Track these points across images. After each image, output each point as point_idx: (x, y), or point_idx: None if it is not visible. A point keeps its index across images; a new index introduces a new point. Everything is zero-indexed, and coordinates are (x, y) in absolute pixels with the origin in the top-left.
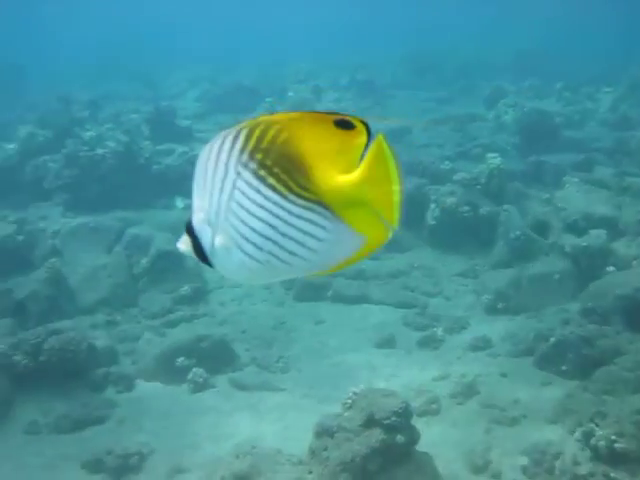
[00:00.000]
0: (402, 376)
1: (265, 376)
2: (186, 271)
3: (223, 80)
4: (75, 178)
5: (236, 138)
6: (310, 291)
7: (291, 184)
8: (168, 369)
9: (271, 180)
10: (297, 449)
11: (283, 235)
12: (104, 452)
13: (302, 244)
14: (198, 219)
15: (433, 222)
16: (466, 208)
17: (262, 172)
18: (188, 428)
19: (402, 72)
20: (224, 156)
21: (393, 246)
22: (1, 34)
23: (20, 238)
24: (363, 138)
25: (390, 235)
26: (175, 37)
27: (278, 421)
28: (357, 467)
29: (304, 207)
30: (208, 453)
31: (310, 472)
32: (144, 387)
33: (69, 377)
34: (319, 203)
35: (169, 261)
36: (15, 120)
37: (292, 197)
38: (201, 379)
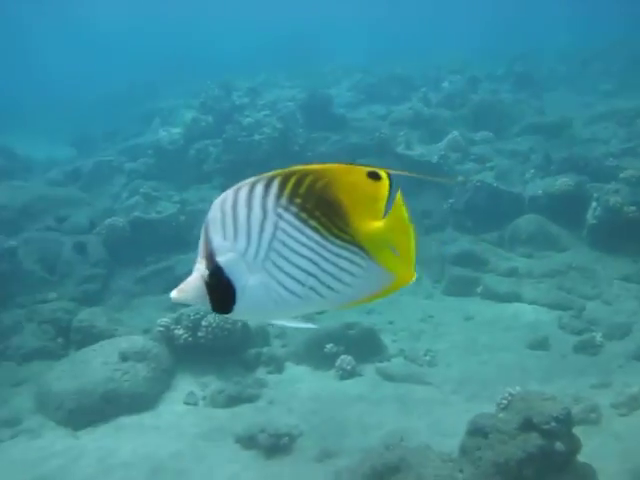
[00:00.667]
0: (556, 380)
1: (412, 368)
2: None
3: (377, 70)
4: (232, 162)
5: (269, 185)
6: (459, 286)
7: (331, 226)
8: (317, 354)
9: (313, 222)
10: (445, 446)
11: (323, 271)
12: (257, 430)
13: (339, 279)
14: (228, 259)
15: (594, 221)
16: (632, 208)
17: (303, 215)
18: (336, 414)
19: (563, 63)
20: (257, 200)
21: (549, 244)
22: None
23: (182, 218)
24: (386, 188)
25: (415, 276)
26: (334, 33)
27: (426, 415)
28: (512, 471)
29: (342, 247)
30: (356, 441)
31: (461, 471)
32: (293, 370)
33: (224, 354)
34: (355, 244)
35: None
36: (181, 106)
37: (332, 238)
38: (349, 367)
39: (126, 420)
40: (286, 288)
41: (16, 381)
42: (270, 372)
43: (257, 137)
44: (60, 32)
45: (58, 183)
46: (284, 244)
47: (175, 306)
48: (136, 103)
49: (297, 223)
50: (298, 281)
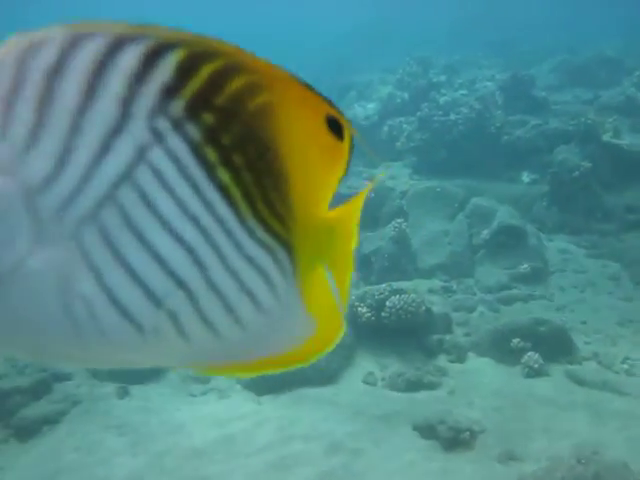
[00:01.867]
0: None
1: (607, 375)
2: (527, 249)
3: (583, 50)
4: (426, 141)
5: (153, 57)
6: None
7: (256, 196)
8: (502, 347)
9: (224, 175)
10: None
11: (210, 282)
12: (436, 420)
13: (233, 306)
14: None
15: None
16: None
17: (210, 152)
18: (521, 414)
19: None
20: (116, 81)
21: None
22: None
23: (371, 195)
24: (347, 153)
25: (342, 333)
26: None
27: (623, 429)
28: None
29: (262, 243)
30: (542, 447)
31: None
32: (476, 361)
33: (405, 337)
34: (284, 244)
35: (510, 236)
36: (376, 81)
37: (251, 220)
38: (536, 365)
39: (307, 392)
40: (120, 298)
41: None
42: (451, 361)
43: (453, 117)
44: None
45: None
46: (146, 200)
47: (359, 283)
48: (332, 75)
49: (191, 164)
50: (154, 289)
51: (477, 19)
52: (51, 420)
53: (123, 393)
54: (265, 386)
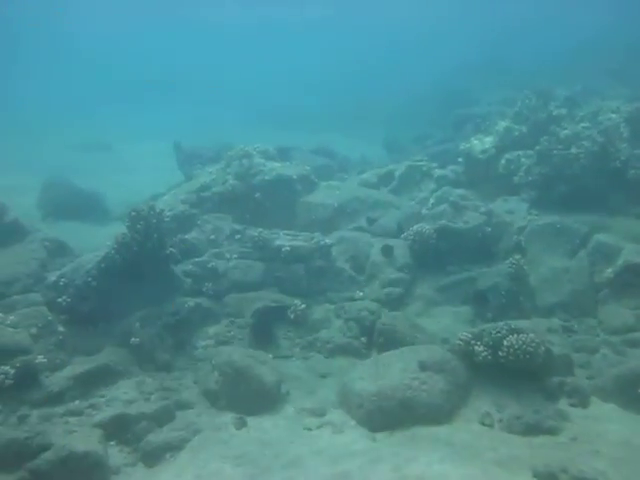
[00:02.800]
0: None
1: None
2: None
3: None
4: (545, 176)
5: None
6: None
7: None
8: (629, 394)
9: None
10: None
11: None
12: (558, 468)
13: None
14: None
15: None
16: None
17: None
18: None
19: None
20: None
21: None
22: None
23: (488, 230)
24: None
25: None
26: None
27: None
28: None
29: None
30: None
31: None
32: (600, 407)
33: (524, 378)
34: None
35: (637, 275)
36: (494, 114)
37: None
38: None
39: (421, 430)
40: None
41: (323, 373)
42: (573, 405)
43: (574, 151)
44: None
45: (372, 184)
46: None
47: (474, 320)
48: (448, 108)
49: None
50: None
51: (599, 45)
52: (174, 447)
53: (241, 424)
54: (380, 422)
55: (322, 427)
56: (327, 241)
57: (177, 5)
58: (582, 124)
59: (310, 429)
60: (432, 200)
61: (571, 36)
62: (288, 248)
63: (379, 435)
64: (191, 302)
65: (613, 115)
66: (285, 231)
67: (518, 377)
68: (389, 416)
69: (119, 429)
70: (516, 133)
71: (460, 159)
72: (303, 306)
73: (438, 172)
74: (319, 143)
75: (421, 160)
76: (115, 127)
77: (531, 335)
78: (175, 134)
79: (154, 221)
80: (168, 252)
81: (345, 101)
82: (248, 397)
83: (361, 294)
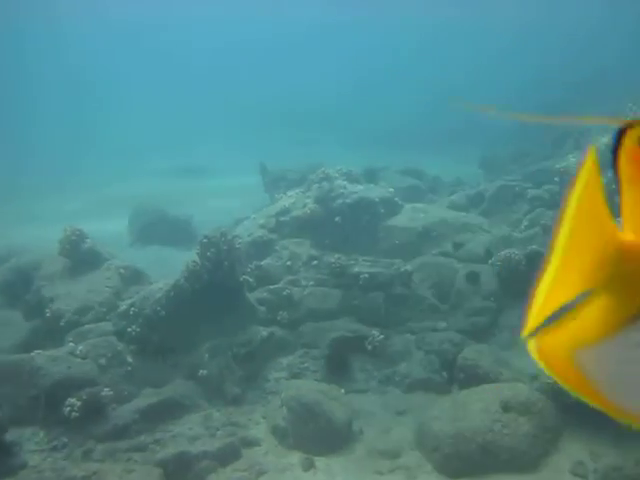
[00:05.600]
0: None
1: None
2: None
3: None
4: None
5: None
6: None
7: None
8: None
9: None
10: None
11: None
12: None
13: None
14: None
15: None
16: None
17: None
18: None
19: None
20: None
21: None
22: None
23: None
24: None
25: None
26: None
27: None
28: None
29: None
30: None
31: None
32: None
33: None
34: None
35: None
36: (595, 129)
37: None
38: None
39: (504, 479)
40: None
41: (400, 409)
42: None
43: None
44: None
45: (460, 206)
46: None
47: None
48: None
49: None
50: None
51: None
52: None
53: (308, 465)
54: (457, 468)
55: (395, 471)
56: (408, 267)
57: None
58: None
59: (381, 473)
60: (525, 223)
61: None
62: (366, 275)
63: None
64: (264, 332)
65: None
66: (364, 257)
67: (615, 420)
68: (467, 462)
69: (180, 468)
70: None
71: (556, 178)
72: (381, 337)
73: (532, 192)
74: (408, 163)
75: (514, 180)
76: (209, 151)
77: None
78: (269, 156)
79: (225, 248)
80: (241, 280)
81: (440, 118)
82: (316, 436)
83: (444, 324)
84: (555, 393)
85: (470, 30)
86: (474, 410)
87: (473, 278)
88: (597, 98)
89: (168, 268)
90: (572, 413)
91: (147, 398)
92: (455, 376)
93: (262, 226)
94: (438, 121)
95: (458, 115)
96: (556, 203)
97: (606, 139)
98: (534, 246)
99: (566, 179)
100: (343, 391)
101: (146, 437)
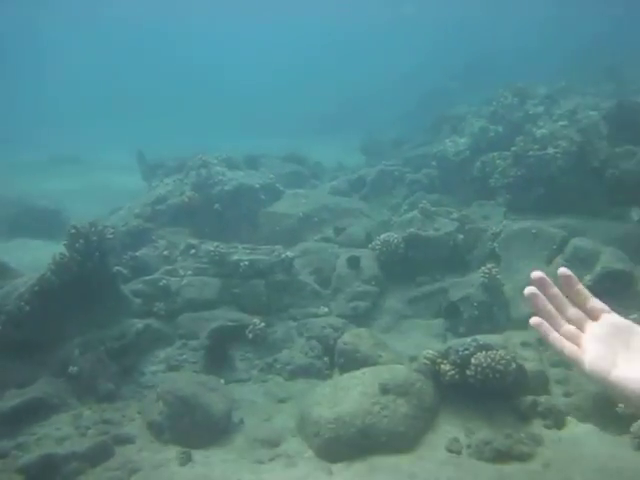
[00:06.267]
0: None
1: None
2: (637, 296)
3: None
4: (521, 178)
5: None
6: None
7: None
8: (607, 413)
9: None
10: None
11: None
12: None
13: None
14: None
15: None
16: None
17: None
18: None
19: None
20: None
21: None
22: None
23: (460, 237)
24: None
25: None
26: None
27: None
28: None
29: None
30: None
31: None
32: (576, 428)
33: (494, 398)
34: None
35: (617, 281)
36: (471, 114)
37: None
38: None
39: (382, 461)
40: None
41: (282, 397)
42: (547, 426)
43: (551, 151)
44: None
45: (342, 192)
46: None
47: (446, 335)
48: (429, 110)
49: None
50: None
51: (593, 44)
52: None
53: (185, 459)
54: (338, 453)
55: (275, 459)
56: (289, 254)
57: None
58: (560, 122)
59: (262, 462)
60: (404, 207)
61: (571, 35)
62: (247, 262)
63: (336, 467)
64: (139, 324)
65: (592, 113)
66: (244, 245)
67: (489, 398)
68: (347, 446)
69: (45, 472)
70: (492, 134)
71: (434, 163)
72: (262, 324)
73: (410, 177)
74: (290, 149)
75: (394, 165)
76: (90, 138)
77: (501, 352)
78: (150, 145)
79: (95, 238)
80: (115, 271)
81: (323, 105)
82: (194, 428)
83: (326, 309)
84: (434, 373)
85: (356, 27)
86: (354, 394)
87: (354, 262)
88: (475, 85)
89: (38, 262)
90: (448, 393)
91: (9, 400)
92: (336, 361)
93: (138, 215)
94: (321, 108)
95: (341, 103)
96: (434, 186)
97: (480, 123)
98: (412, 229)
99: (443, 163)
100: (223, 381)
101: (7, 442)
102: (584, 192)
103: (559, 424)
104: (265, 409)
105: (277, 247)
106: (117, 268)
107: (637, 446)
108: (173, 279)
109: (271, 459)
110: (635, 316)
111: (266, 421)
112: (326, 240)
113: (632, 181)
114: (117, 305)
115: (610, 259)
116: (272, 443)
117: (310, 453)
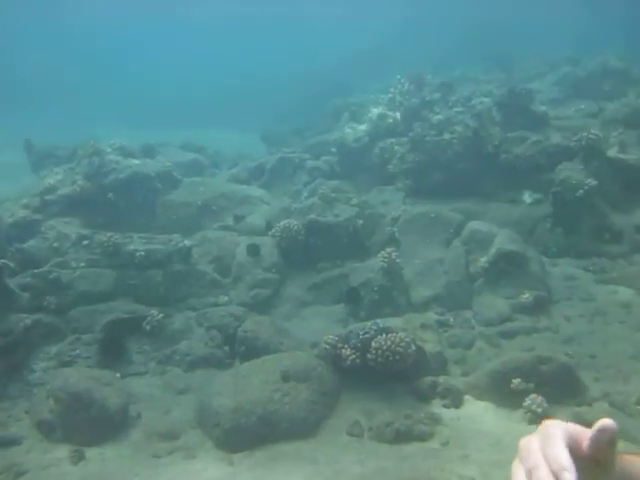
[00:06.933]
0: None
1: (620, 418)
2: (529, 276)
3: (587, 62)
4: (419, 163)
5: None
6: None
7: None
8: (502, 390)
9: None
10: None
11: None
12: (425, 479)
13: None
14: None
15: None
16: None
17: None
18: None
19: None
20: None
21: None
22: None
23: (360, 222)
24: None
25: None
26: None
27: None
28: None
29: None
30: None
31: None
32: (473, 406)
33: (394, 381)
34: None
35: (510, 262)
36: (370, 102)
37: None
38: (540, 409)
39: (284, 448)
40: None
41: (181, 389)
42: (446, 406)
43: (447, 136)
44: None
45: (242, 179)
46: None
47: (347, 320)
48: (329, 98)
49: None
50: None
51: (480, 32)
52: None
53: (78, 458)
54: (239, 442)
55: (173, 453)
56: (187, 243)
57: None
58: (455, 109)
59: (159, 456)
60: (305, 193)
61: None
62: (142, 253)
63: (237, 457)
64: (27, 320)
65: (485, 99)
66: (140, 234)
67: (389, 380)
68: (248, 435)
69: None
70: (390, 120)
71: (333, 149)
72: (160, 316)
73: (310, 164)
74: (189, 138)
75: (294, 152)
76: None
77: (400, 334)
78: (40, 133)
79: None
80: (1, 264)
81: (229, 94)
82: (87, 425)
83: (226, 298)
84: (335, 358)
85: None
86: (255, 382)
87: (254, 250)
88: (374, 71)
89: None
90: (349, 377)
91: None
92: (237, 350)
93: (25, 206)
94: (223, 98)
95: (243, 92)
96: (335, 173)
97: (378, 110)
98: (312, 215)
99: (343, 150)
100: (119, 375)
101: None
102: (480, 177)
103: (457, 403)
104: (164, 402)
105: (175, 236)
106: (3, 261)
107: (529, 421)
108: (64, 271)
109: (169, 452)
110: (527, 295)
111: (165, 414)
112: (225, 228)
113: (524, 165)
114: (2, 300)
115: (504, 241)
116: (171, 436)
117: (210, 444)
